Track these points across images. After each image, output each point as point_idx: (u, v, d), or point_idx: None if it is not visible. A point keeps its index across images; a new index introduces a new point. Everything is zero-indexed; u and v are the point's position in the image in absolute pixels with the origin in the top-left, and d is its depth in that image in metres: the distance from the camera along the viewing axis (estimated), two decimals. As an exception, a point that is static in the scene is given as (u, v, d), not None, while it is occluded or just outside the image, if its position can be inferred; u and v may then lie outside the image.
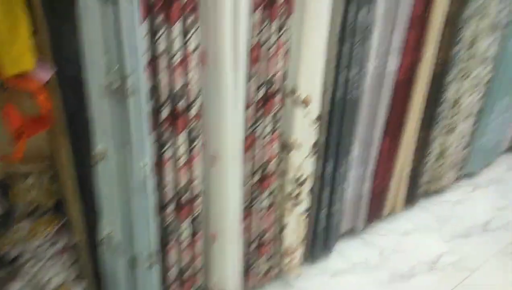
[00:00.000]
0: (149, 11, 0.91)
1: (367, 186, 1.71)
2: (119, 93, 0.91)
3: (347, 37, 1.28)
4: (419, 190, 2.00)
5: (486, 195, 2.19)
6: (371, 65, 1.42)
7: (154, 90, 1.00)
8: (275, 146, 1.27)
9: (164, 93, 1.00)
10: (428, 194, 2.08)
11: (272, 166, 1.28)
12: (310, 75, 1.21)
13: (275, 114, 1.22)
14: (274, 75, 1.16)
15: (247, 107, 1.18)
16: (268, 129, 1.23)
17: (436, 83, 1.74)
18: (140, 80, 0.90)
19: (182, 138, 1.06)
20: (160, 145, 1.07)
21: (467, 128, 2.05)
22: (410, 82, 1.63)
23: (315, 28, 1.15)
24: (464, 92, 1.89)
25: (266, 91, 1.18)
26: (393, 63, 1.49)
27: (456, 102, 1.89)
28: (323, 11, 1.14)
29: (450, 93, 1.83)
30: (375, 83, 1.49)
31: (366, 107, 1.51)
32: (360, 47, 1.32)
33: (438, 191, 2.12)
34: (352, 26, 1.27)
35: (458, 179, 2.19)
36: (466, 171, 2.22)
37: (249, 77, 1.14)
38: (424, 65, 1.60)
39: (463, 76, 1.83)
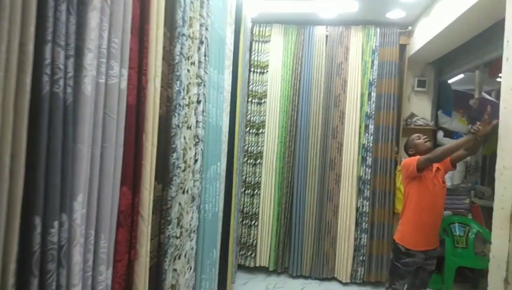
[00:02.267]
0: None
1: None
2: None
3: (33, 269, 0.77)
4: None
5: None
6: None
7: None
8: None
9: None
10: None
11: None
12: None
13: None
14: None
15: None
16: None
17: (154, 272, 1.45)
18: None
19: None
20: None
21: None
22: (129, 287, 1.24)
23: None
24: (180, 273, 1.70)
25: None
26: (106, 276, 1.07)
27: (173, 287, 1.66)
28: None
29: (168, 280, 1.58)
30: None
31: None
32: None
33: None
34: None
35: None
36: None
37: None
38: (140, 265, 1.28)
39: (176, 255, 1.66)
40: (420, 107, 3.88)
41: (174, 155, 1.55)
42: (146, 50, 1.25)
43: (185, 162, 1.72)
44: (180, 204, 1.69)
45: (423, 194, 2.22)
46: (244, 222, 3.62)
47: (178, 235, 1.67)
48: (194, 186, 1.87)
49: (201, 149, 1.96)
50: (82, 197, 0.93)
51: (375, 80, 3.51)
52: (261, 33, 3.68)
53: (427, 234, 2.21)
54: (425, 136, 2.44)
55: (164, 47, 1.41)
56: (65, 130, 0.86)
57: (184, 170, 1.71)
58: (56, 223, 0.83)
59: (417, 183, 2.24)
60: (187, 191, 1.76)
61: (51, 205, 0.82)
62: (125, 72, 1.12)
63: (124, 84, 1.12)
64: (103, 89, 1.02)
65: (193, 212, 1.86)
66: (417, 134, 2.46)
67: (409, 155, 2.44)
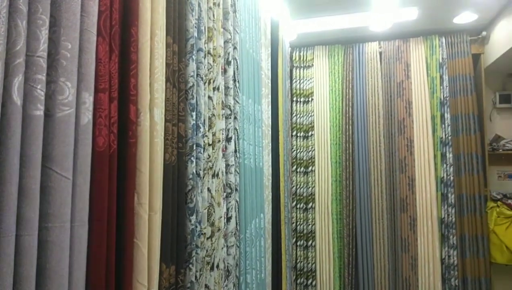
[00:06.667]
0: None
1: None
2: None
3: None
4: None
5: None
6: None
7: None
8: None
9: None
10: None
11: None
12: None
13: None
14: None
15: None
16: None
17: None
18: None
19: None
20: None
21: None
22: None
23: None
24: None
25: None
26: None
27: None
28: None
29: None
30: None
31: None
32: None
33: None
34: None
35: None
36: None
37: None
38: None
39: None
40: (505, 127, 3.14)
41: (193, 218, 1.06)
42: (133, 65, 0.81)
43: (212, 224, 1.22)
44: (207, 287, 1.18)
45: None
46: (298, 281, 3.00)
47: (206, 335, 1.15)
48: (228, 255, 1.36)
49: (236, 202, 1.47)
50: None
51: (447, 98, 2.88)
52: (302, 58, 3.24)
53: None
54: None
55: (168, 64, 0.97)
56: None
57: (210, 237, 1.21)
58: None
59: None
60: (217, 266, 1.25)
61: None
62: (88, 97, 0.67)
63: (87, 118, 0.67)
64: (40, 128, 0.58)
65: (228, 292, 1.33)
66: None
67: None
